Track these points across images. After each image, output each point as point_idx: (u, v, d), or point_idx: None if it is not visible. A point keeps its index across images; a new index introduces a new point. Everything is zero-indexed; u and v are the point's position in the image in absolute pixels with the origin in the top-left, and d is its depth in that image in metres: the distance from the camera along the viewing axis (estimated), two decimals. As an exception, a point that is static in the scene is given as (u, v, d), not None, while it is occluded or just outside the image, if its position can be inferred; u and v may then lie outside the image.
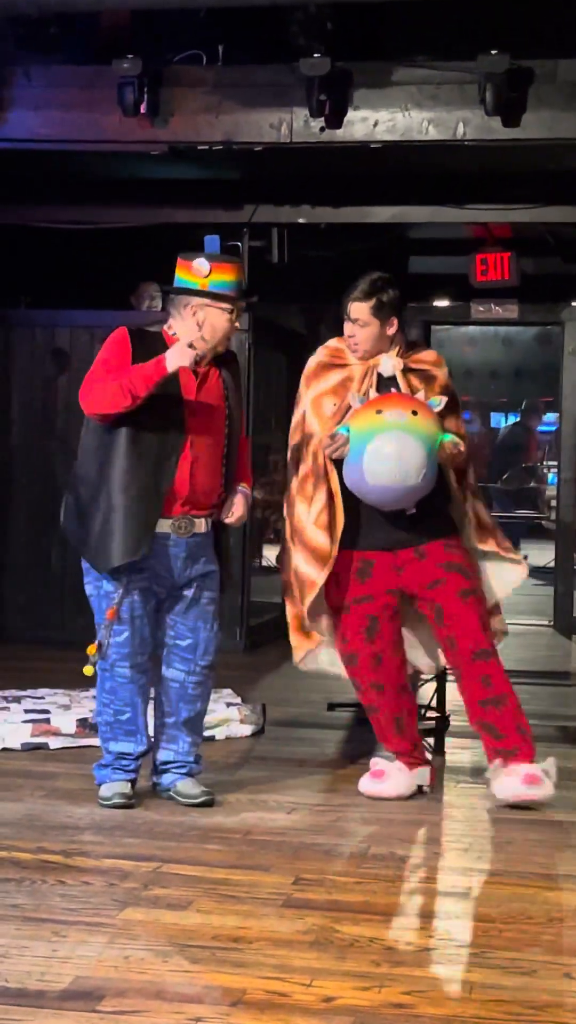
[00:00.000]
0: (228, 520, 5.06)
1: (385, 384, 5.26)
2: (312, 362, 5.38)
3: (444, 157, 7.43)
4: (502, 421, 19.78)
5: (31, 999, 3.27)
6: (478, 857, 4.55)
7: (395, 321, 5.27)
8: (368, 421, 5.06)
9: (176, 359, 4.79)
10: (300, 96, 6.83)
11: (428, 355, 5.41)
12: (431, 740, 6.06)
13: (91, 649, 4.96)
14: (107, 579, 4.92)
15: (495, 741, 5.19)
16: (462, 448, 5.20)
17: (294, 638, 5.33)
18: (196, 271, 4.89)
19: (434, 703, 6.53)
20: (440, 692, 6.46)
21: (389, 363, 5.25)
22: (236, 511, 5.05)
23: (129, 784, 5.04)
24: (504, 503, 15.62)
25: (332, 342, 5.40)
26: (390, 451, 4.98)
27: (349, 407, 5.21)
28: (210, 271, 4.89)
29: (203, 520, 4.99)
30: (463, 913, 4.01)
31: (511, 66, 6.51)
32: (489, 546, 5.42)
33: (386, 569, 5.23)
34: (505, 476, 15.44)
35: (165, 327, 5.00)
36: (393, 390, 5.21)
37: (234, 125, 7.11)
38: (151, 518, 4.86)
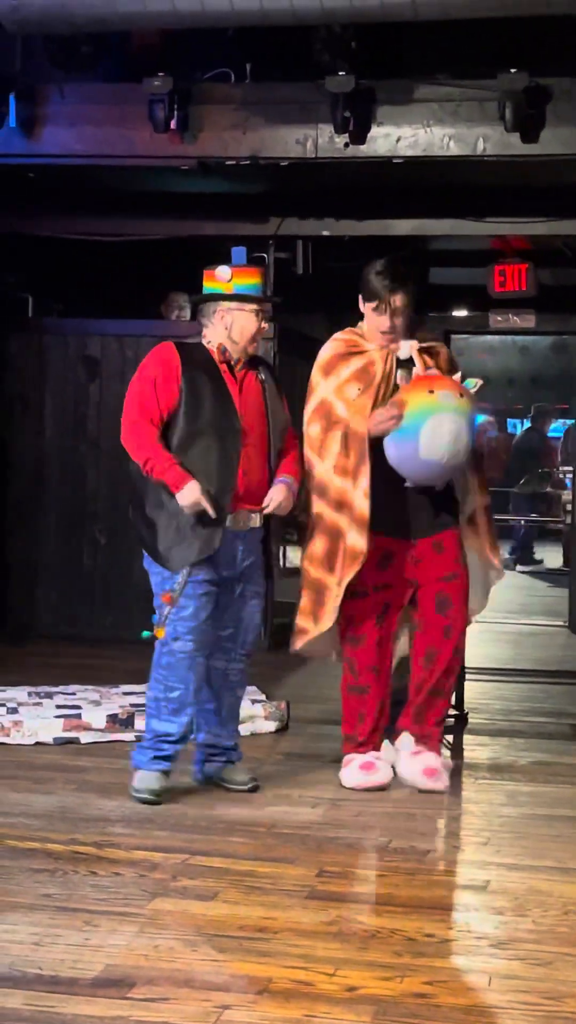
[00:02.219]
0: (267, 508, 5.08)
1: (402, 365, 5.33)
2: (327, 353, 5.39)
3: (464, 172, 7.41)
4: (518, 427, 19.74)
5: (64, 986, 3.28)
6: (496, 851, 4.54)
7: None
8: (423, 400, 5.14)
9: (189, 498, 4.86)
10: (325, 113, 6.83)
11: (429, 332, 5.53)
12: (450, 737, 6.04)
13: (159, 632, 4.97)
14: (164, 570, 4.97)
15: (416, 724, 5.35)
16: (494, 424, 5.35)
17: (304, 621, 5.34)
18: (220, 277, 5.03)
19: (452, 701, 6.53)
20: (458, 690, 6.44)
21: (407, 346, 5.32)
22: (276, 497, 5.07)
23: (163, 777, 5.02)
24: (520, 507, 15.58)
25: (343, 334, 5.42)
26: (447, 430, 5.08)
27: (380, 389, 5.23)
28: (232, 276, 5.02)
29: (257, 515, 5.07)
30: (482, 905, 4.00)
31: (530, 84, 6.51)
32: (474, 545, 5.45)
33: (404, 560, 5.29)
34: (523, 480, 15.39)
35: (203, 338, 5.08)
36: (435, 372, 5.27)
37: (261, 141, 7.12)
38: (222, 516, 4.93)
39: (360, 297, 5.36)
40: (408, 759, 5.33)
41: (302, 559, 5.38)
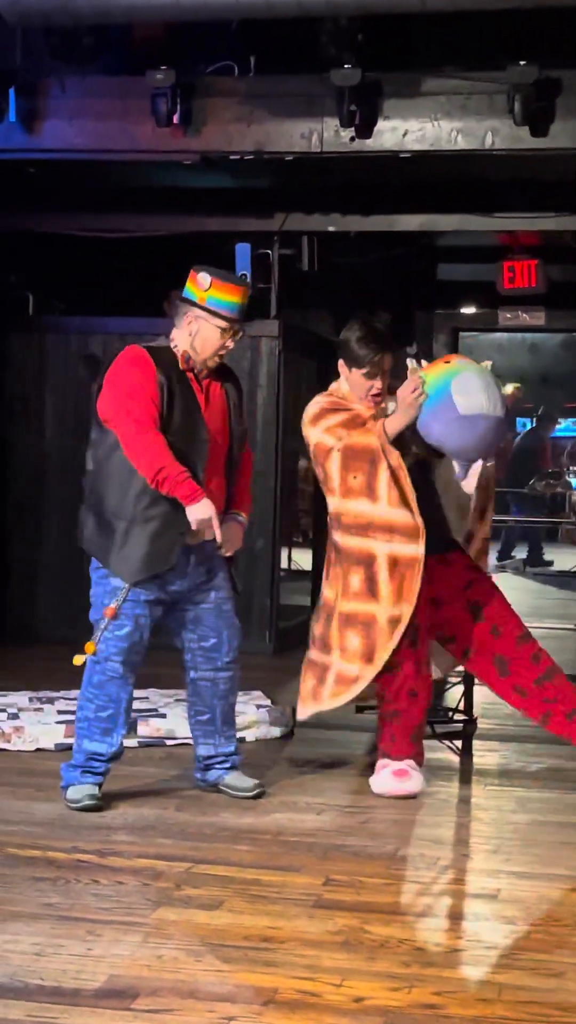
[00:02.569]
0: (226, 553, 5.06)
1: None
2: (315, 408, 5.36)
3: (472, 166, 7.42)
4: (527, 427, 19.74)
5: (66, 997, 3.28)
6: (506, 859, 4.53)
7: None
8: (442, 368, 5.16)
9: (202, 514, 4.83)
10: (331, 106, 6.83)
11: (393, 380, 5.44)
12: (459, 742, 6.04)
13: (89, 647, 4.97)
14: (116, 578, 4.93)
15: (568, 705, 5.32)
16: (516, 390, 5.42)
17: (351, 664, 5.25)
18: (199, 284, 4.95)
19: (461, 706, 6.52)
20: (468, 695, 6.44)
21: (392, 405, 5.29)
22: (233, 539, 5.07)
23: (97, 787, 5.02)
24: (526, 508, 15.58)
25: (322, 398, 5.39)
26: (477, 383, 5.08)
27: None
28: (210, 286, 4.93)
29: None
30: (492, 915, 3.99)
31: (539, 76, 6.51)
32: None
33: (420, 580, 5.21)
34: (532, 481, 15.39)
35: (169, 340, 5.03)
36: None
37: (265, 135, 7.12)
38: (181, 527, 4.89)
39: (341, 362, 5.35)
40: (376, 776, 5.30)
41: (334, 600, 5.29)
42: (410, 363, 5.24)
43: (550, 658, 5.43)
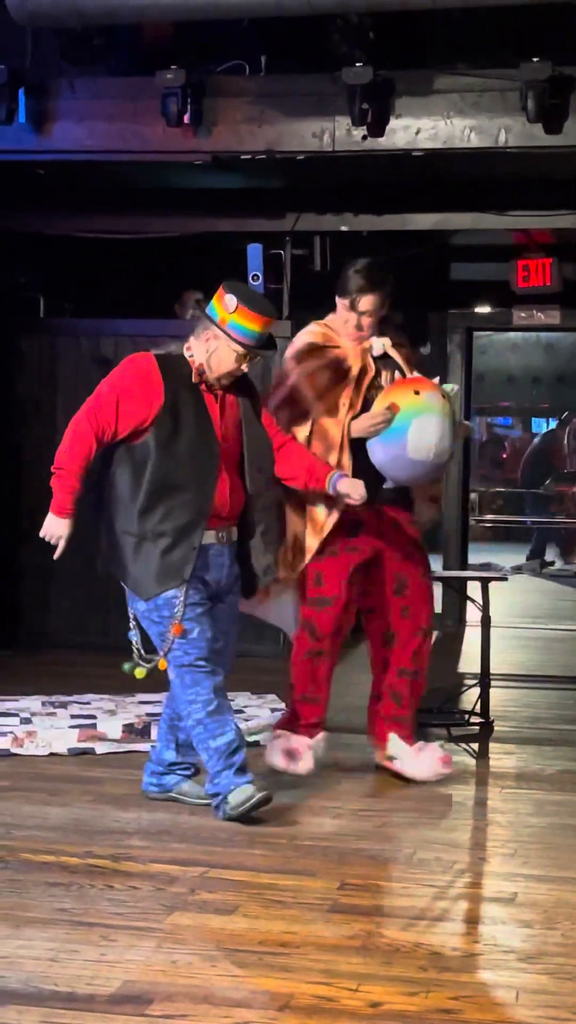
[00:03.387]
0: (356, 501, 5.19)
1: (382, 363, 5.49)
2: (301, 342, 5.52)
3: (486, 164, 7.40)
4: (544, 427, 19.71)
5: (80, 1003, 3.28)
6: (523, 862, 4.53)
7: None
8: (410, 401, 5.31)
9: (54, 530, 5.16)
10: (342, 105, 6.83)
11: (397, 334, 5.64)
12: (475, 745, 6.04)
13: (139, 673, 4.99)
14: (161, 600, 4.93)
15: (396, 708, 5.51)
16: (470, 429, 5.67)
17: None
18: (225, 305, 4.93)
19: (478, 709, 6.51)
20: (484, 698, 6.43)
21: (379, 343, 5.49)
22: (359, 490, 5.19)
23: (251, 783, 4.93)
24: (539, 509, 15.57)
25: (316, 327, 5.56)
26: (434, 430, 5.26)
27: (356, 384, 5.40)
28: (236, 309, 4.91)
29: (236, 529, 5.09)
30: (509, 918, 3.99)
31: (553, 73, 6.49)
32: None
33: (373, 529, 5.46)
34: (548, 481, 15.38)
35: (186, 348, 5.04)
36: (417, 375, 5.42)
37: (277, 134, 7.12)
38: (196, 542, 4.91)
39: (336, 290, 5.50)
40: (414, 758, 5.48)
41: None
42: (378, 344, 5.44)
43: (425, 662, 5.58)
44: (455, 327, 10.41)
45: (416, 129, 6.98)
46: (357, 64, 6.59)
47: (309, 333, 5.53)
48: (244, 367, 5.00)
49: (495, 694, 6.84)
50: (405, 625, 5.50)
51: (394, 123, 6.96)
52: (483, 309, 10.51)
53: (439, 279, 10.37)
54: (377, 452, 5.34)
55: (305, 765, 5.37)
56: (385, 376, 5.49)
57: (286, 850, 4.58)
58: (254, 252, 8.86)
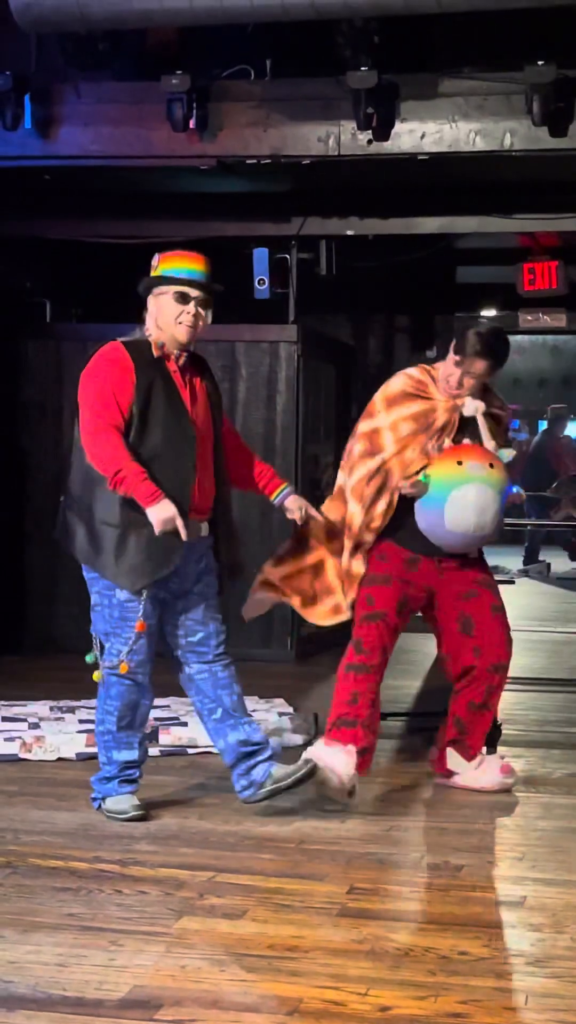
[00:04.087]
0: (305, 518, 5.23)
1: (466, 425, 5.40)
2: (396, 387, 5.45)
3: (491, 167, 7.42)
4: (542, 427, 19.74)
5: (89, 1008, 3.28)
6: (532, 866, 4.53)
7: None
8: (450, 471, 5.25)
9: (162, 515, 4.78)
10: (347, 109, 6.84)
11: (496, 397, 5.58)
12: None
13: (124, 667, 4.94)
14: (122, 589, 4.91)
15: (457, 733, 5.47)
16: (523, 497, 5.56)
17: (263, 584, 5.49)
18: (152, 267, 4.96)
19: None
20: (492, 701, 6.43)
21: (472, 405, 5.39)
22: (305, 510, 5.24)
23: (134, 796, 5.03)
24: (541, 512, 15.52)
25: (416, 372, 5.48)
26: (471, 502, 5.21)
27: (436, 439, 5.34)
28: (159, 262, 4.94)
29: (206, 523, 5.05)
30: (518, 922, 3.99)
31: (558, 76, 6.51)
32: None
33: (430, 569, 5.39)
34: (555, 484, 15.35)
35: (144, 331, 5.02)
36: (467, 442, 5.35)
37: (282, 139, 7.14)
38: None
39: (453, 343, 5.41)
40: (475, 771, 5.46)
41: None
42: (471, 406, 5.35)
43: (497, 700, 5.54)
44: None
45: (421, 133, 6.99)
46: (362, 68, 6.61)
47: (404, 377, 5.46)
48: (190, 309, 4.90)
49: (502, 697, 6.83)
50: (480, 663, 5.42)
51: (399, 127, 6.97)
52: (489, 312, 10.51)
53: (445, 282, 10.38)
54: (419, 518, 5.30)
55: (341, 760, 5.18)
56: (465, 438, 5.41)
57: (294, 854, 4.58)
58: (260, 256, 8.88)
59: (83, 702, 6.81)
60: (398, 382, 5.44)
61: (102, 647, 5.02)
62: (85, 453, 4.91)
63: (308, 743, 6.17)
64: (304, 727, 6.34)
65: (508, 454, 5.41)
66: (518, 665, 8.44)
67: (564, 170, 7.43)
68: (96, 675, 5.02)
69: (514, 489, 5.38)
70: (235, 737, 5.08)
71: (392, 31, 6.66)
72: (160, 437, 4.88)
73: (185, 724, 6.21)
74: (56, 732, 6.07)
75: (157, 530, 4.79)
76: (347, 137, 7.03)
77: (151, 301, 4.97)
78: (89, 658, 5.06)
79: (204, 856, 4.53)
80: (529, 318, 9.96)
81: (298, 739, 6.26)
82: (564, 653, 9.45)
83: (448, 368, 5.38)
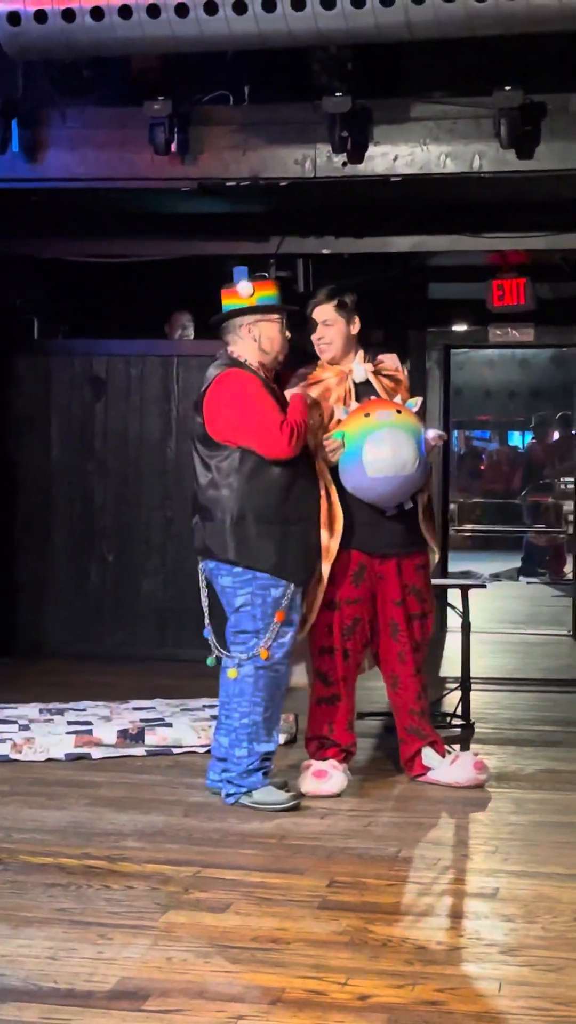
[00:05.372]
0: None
1: (361, 390, 5.47)
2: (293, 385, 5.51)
3: (461, 188, 7.42)
4: (519, 439, 19.73)
5: (79, 999, 3.28)
6: (505, 859, 4.53)
7: (357, 321, 5.55)
8: (360, 423, 5.28)
9: (297, 389, 5.23)
10: (323, 133, 6.84)
11: (389, 360, 5.66)
12: (457, 746, 6.04)
13: (264, 653, 5.06)
14: (278, 586, 5.07)
15: (419, 740, 5.51)
16: (444, 436, 5.53)
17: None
18: (242, 293, 5.17)
19: (459, 711, 6.52)
20: (465, 700, 6.45)
21: (360, 369, 5.50)
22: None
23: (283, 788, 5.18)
24: (521, 517, 15.55)
25: (302, 371, 5.57)
26: (386, 445, 5.20)
27: (333, 417, 5.39)
28: (254, 290, 5.17)
29: None
30: (492, 913, 3.99)
31: (524, 101, 6.52)
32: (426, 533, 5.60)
33: (373, 576, 5.44)
34: (523, 491, 15.40)
35: (237, 358, 5.20)
36: (373, 398, 5.40)
37: (260, 161, 7.13)
38: (319, 525, 5.24)
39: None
40: (449, 767, 5.47)
41: None
42: (359, 370, 5.47)
43: (426, 696, 5.61)
44: (434, 344, 10.43)
45: (394, 155, 7.00)
46: (336, 93, 6.61)
47: (295, 377, 5.53)
48: (287, 332, 5.23)
49: (476, 697, 6.85)
50: (404, 670, 5.48)
51: (372, 150, 6.98)
52: (460, 327, 10.53)
53: (418, 299, 10.39)
54: (346, 479, 5.31)
55: (336, 782, 5.30)
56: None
57: (276, 849, 4.58)
58: (239, 274, 8.86)
59: (71, 704, 6.80)
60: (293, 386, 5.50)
61: (227, 648, 5.15)
62: (264, 458, 5.08)
63: (290, 741, 6.18)
64: (285, 727, 6.33)
65: (414, 401, 5.45)
66: (492, 666, 8.49)
67: (531, 191, 7.45)
68: (232, 672, 5.11)
69: (431, 433, 5.36)
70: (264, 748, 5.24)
71: (365, 57, 6.66)
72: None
73: (170, 725, 6.20)
74: (46, 733, 6.05)
75: (299, 388, 5.21)
76: (323, 160, 7.03)
77: (251, 328, 5.18)
78: (210, 661, 5.21)
79: (189, 852, 4.53)
80: (499, 333, 9.98)
81: (280, 739, 6.25)
82: (535, 654, 9.47)
83: (315, 336, 5.52)
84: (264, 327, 5.18)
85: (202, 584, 5.30)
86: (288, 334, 5.23)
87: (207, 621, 5.27)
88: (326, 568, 5.30)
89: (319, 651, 5.46)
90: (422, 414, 5.55)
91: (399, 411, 5.31)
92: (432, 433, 5.38)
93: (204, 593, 5.29)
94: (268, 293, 5.20)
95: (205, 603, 5.28)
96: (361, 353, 5.56)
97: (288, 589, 5.10)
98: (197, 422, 5.18)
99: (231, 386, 5.09)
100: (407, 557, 5.47)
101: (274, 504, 5.07)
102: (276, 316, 5.19)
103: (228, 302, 5.19)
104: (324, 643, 5.44)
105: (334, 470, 5.33)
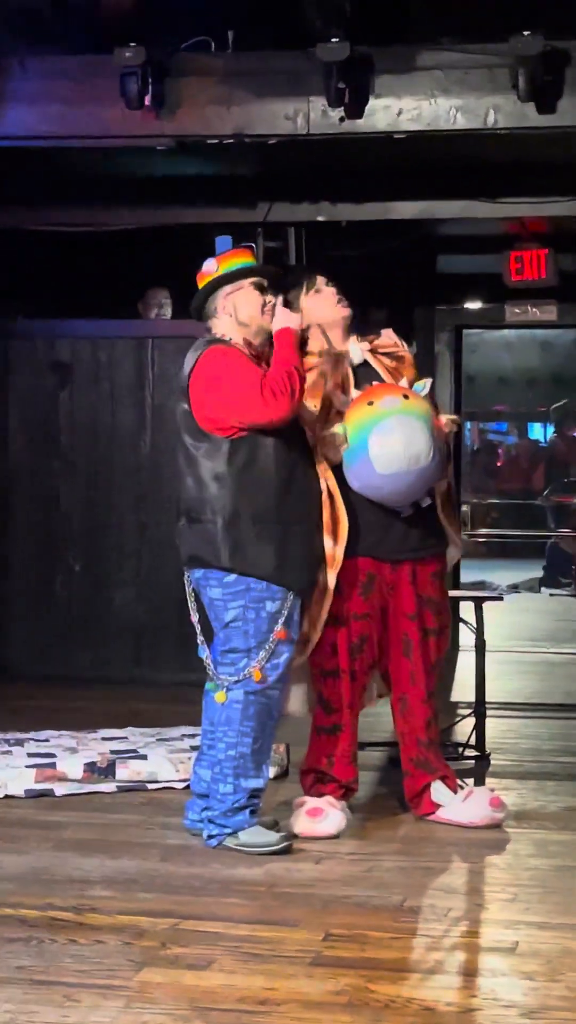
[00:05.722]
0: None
1: (361, 374, 5.47)
2: None
3: (474, 147, 7.45)
4: (540, 432, 19.77)
5: (41, 1070, 3.27)
6: (525, 908, 4.53)
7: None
8: (363, 414, 5.25)
9: (284, 320, 5.18)
10: (317, 84, 6.85)
11: (387, 335, 5.66)
12: (470, 781, 6.03)
13: (257, 674, 5.07)
14: (275, 598, 5.07)
15: (428, 774, 5.49)
16: (458, 420, 5.53)
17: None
18: (207, 270, 5.23)
19: (473, 740, 6.53)
20: (479, 729, 6.45)
21: (356, 349, 5.50)
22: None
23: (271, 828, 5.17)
24: (544, 520, 15.58)
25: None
26: (395, 436, 5.17)
27: (331, 406, 5.38)
28: (218, 263, 5.22)
29: None
30: (509, 970, 3.99)
31: (545, 48, 6.53)
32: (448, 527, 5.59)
33: (383, 586, 5.42)
34: (546, 491, 15.43)
35: (220, 336, 5.23)
36: (376, 383, 5.40)
37: (246, 117, 7.14)
38: (321, 526, 5.25)
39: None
40: (462, 804, 5.44)
41: None
42: (355, 350, 5.48)
43: (437, 727, 5.61)
44: (443, 325, 10.45)
45: (398, 110, 7.01)
46: (333, 39, 6.61)
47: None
48: (269, 298, 5.22)
49: (491, 725, 6.85)
50: (414, 693, 5.47)
51: (374, 103, 6.99)
52: (473, 305, 10.56)
53: (425, 273, 10.42)
54: (352, 480, 5.29)
55: (333, 821, 5.27)
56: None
57: (265, 898, 4.58)
58: (223, 245, 8.86)
59: (32, 734, 6.79)
60: None
61: (215, 673, 5.16)
62: (261, 452, 5.08)
63: (280, 775, 6.18)
64: (275, 759, 6.32)
65: (423, 384, 5.42)
66: (509, 689, 8.49)
67: (553, 150, 7.47)
68: (220, 696, 5.11)
69: (442, 418, 5.36)
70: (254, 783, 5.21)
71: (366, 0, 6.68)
72: (287, 446, 5.15)
73: (145, 757, 6.20)
74: (3, 767, 6.05)
75: (293, 320, 5.19)
76: (317, 115, 7.04)
77: (224, 303, 5.22)
78: (211, 686, 5.20)
79: (166, 902, 4.52)
80: (517, 311, 10.01)
81: (269, 772, 6.25)
82: (558, 675, 9.49)
83: (325, 297, 5.52)
84: (237, 298, 5.20)
85: (190, 596, 5.28)
86: (270, 297, 5.22)
87: (201, 639, 5.25)
88: (331, 578, 5.28)
89: (322, 674, 5.44)
90: (432, 398, 5.54)
91: (406, 396, 5.29)
92: (443, 419, 5.38)
93: (193, 607, 5.28)
94: (235, 261, 5.23)
95: (195, 617, 5.27)
96: (354, 336, 5.54)
97: (286, 602, 5.09)
98: (183, 410, 5.17)
99: (213, 362, 5.11)
100: (422, 563, 5.45)
101: (272, 502, 5.08)
102: (247, 282, 5.20)
103: (200, 284, 5.26)
104: (328, 665, 5.41)
105: (338, 469, 5.31)
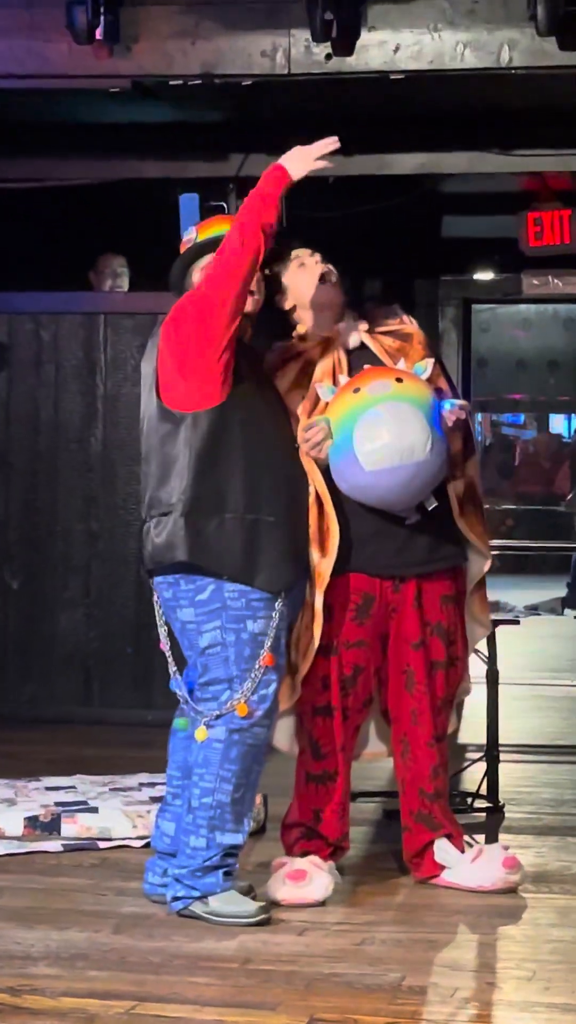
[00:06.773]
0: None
1: (358, 358, 5.46)
2: (268, 362, 5.57)
3: (485, 90, 7.47)
4: (564, 425, 19.81)
5: None
6: (545, 988, 4.54)
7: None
8: (348, 403, 5.25)
9: (300, 166, 5.33)
10: (300, 15, 6.88)
11: (390, 311, 5.70)
12: (480, 837, 6.05)
13: (242, 708, 5.08)
14: (257, 617, 5.08)
15: (431, 831, 5.48)
16: (466, 407, 5.44)
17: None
18: (186, 242, 5.35)
19: (484, 789, 6.54)
20: (491, 776, 6.46)
21: (350, 330, 5.50)
22: None
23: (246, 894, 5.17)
24: (568, 530, 15.62)
25: (281, 343, 5.62)
26: (383, 426, 5.16)
27: (318, 400, 5.39)
28: (197, 232, 5.34)
29: None
30: (526, 1061, 4.01)
31: (569, -29, 6.56)
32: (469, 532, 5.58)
33: (383, 609, 5.40)
34: (571, 495, 15.48)
35: None
36: (368, 367, 5.40)
37: (216, 54, 7.16)
38: (307, 524, 5.30)
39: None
40: (470, 865, 5.44)
41: None
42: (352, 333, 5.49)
43: (446, 775, 5.60)
44: (449, 298, 10.48)
45: (395, 45, 7.04)
46: (318, -38, 6.64)
47: (269, 354, 5.59)
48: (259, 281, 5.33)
49: (505, 771, 6.86)
50: (417, 735, 5.47)
51: (366, 38, 7.01)
52: (485, 275, 10.60)
53: (428, 237, 10.45)
54: (339, 483, 5.28)
55: (319, 886, 5.26)
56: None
57: (238, 977, 4.58)
58: (188, 204, 8.89)
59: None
60: (267, 360, 5.55)
61: (192, 706, 5.18)
62: (235, 435, 5.14)
63: (257, 831, 6.18)
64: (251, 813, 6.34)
65: (425, 365, 5.39)
66: (527, 729, 8.51)
67: (578, 93, 7.51)
68: (200, 733, 5.12)
69: (448, 404, 5.31)
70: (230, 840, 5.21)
71: None
72: (261, 408, 5.27)
73: (96, 810, 6.21)
74: None
75: (307, 169, 5.31)
76: (299, 51, 7.07)
77: (203, 275, 5.27)
78: (180, 723, 5.28)
79: (121, 981, 4.52)
80: (536, 282, 10.05)
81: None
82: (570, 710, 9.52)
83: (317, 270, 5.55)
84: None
85: (159, 617, 5.30)
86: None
87: (173, 669, 5.25)
88: (319, 599, 5.29)
89: (313, 711, 5.43)
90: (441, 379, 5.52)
91: (400, 379, 5.27)
92: (449, 406, 5.33)
93: (164, 631, 5.29)
94: (218, 227, 5.32)
95: (166, 644, 5.28)
96: (350, 315, 5.54)
97: (270, 621, 5.09)
98: (147, 384, 5.23)
99: (178, 320, 5.19)
100: (429, 579, 5.42)
101: (240, 487, 5.09)
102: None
103: (182, 254, 5.37)
104: (318, 701, 5.40)
105: (327, 472, 5.31)
